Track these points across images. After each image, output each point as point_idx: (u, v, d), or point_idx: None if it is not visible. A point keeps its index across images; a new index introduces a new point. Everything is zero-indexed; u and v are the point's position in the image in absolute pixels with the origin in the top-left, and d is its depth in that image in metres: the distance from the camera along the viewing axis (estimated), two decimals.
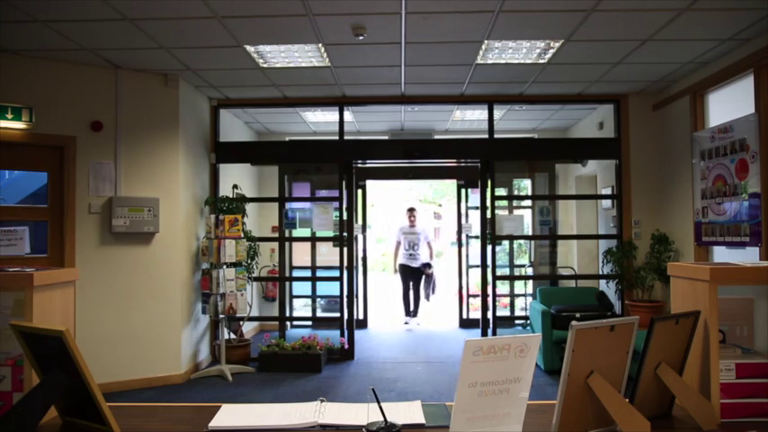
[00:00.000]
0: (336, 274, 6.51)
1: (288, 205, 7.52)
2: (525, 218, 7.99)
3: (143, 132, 5.36)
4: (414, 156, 6.50)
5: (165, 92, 5.47)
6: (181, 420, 1.70)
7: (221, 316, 5.70)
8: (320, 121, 7.50)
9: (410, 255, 8.51)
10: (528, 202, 8.42)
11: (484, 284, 6.44)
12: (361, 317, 8.14)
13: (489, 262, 6.39)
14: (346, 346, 6.34)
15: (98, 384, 1.45)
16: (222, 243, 5.66)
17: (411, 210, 8.80)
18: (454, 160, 7.07)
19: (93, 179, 5.13)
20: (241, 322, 6.29)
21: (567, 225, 8.00)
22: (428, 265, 8.53)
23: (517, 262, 8.53)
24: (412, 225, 8.61)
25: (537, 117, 7.55)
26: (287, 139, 7.99)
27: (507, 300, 8.22)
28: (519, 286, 8.43)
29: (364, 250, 8.43)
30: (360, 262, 8.16)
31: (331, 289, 7.67)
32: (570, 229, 7.90)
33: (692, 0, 3.78)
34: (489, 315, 6.42)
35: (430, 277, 8.54)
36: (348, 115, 6.93)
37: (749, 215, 4.52)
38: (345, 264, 6.44)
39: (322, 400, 1.79)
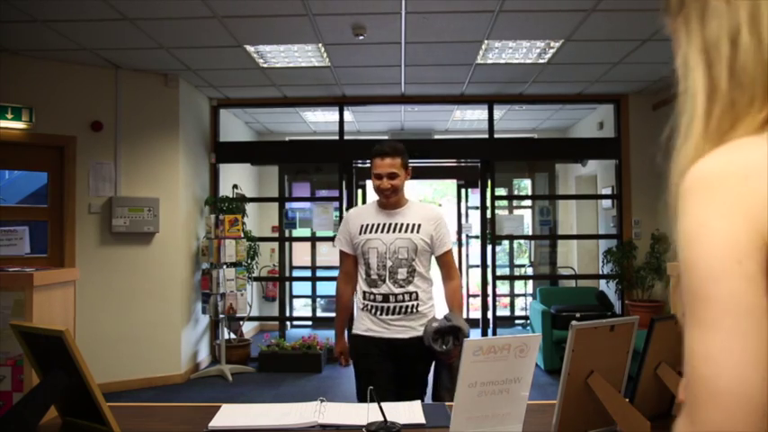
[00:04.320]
0: (336, 274, 6.50)
1: (288, 205, 7.52)
2: (525, 218, 7.99)
3: (143, 132, 5.36)
4: (414, 156, 6.43)
5: (165, 92, 5.47)
6: (181, 420, 1.70)
7: (221, 316, 5.70)
8: (320, 121, 7.50)
9: (383, 302, 2.52)
10: (528, 202, 8.42)
11: (484, 284, 6.43)
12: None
13: (489, 262, 6.39)
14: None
15: (98, 384, 1.45)
16: (222, 243, 5.66)
17: (382, 154, 2.53)
18: (454, 160, 7.07)
19: (93, 179, 5.13)
20: (241, 322, 6.29)
21: (567, 225, 7.99)
22: (454, 334, 2.38)
23: (517, 262, 8.53)
24: (388, 205, 2.58)
25: (537, 117, 7.54)
26: (287, 139, 7.98)
27: (507, 300, 8.22)
28: (519, 286, 8.43)
29: None
30: None
31: (331, 289, 7.65)
32: (570, 229, 7.90)
33: None
34: (489, 315, 6.42)
35: (451, 367, 2.43)
36: (348, 115, 6.93)
37: None
38: None
39: (322, 400, 1.79)
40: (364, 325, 2.56)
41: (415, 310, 2.50)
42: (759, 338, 0.54)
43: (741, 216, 0.56)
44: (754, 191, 0.56)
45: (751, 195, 0.56)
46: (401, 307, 2.50)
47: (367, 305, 2.56)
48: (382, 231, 2.55)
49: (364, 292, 2.57)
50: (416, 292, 2.51)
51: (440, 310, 2.61)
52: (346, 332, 2.79)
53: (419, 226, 2.54)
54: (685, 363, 0.59)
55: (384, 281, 2.52)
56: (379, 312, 2.52)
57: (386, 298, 2.51)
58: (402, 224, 2.54)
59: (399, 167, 2.52)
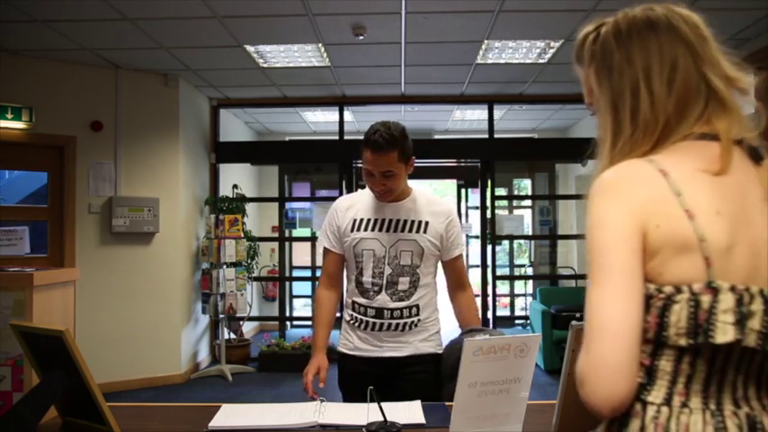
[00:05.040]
0: None
1: (288, 205, 7.52)
2: (525, 218, 7.99)
3: (143, 132, 5.36)
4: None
5: (165, 92, 5.47)
6: (181, 420, 1.70)
7: (221, 316, 5.70)
8: (320, 121, 7.50)
9: (375, 318, 2.03)
10: (528, 202, 8.42)
11: (484, 284, 6.44)
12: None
13: (489, 262, 6.39)
14: None
15: (98, 384, 1.45)
16: (222, 243, 5.66)
17: (375, 147, 1.91)
18: (454, 160, 7.06)
19: (93, 179, 5.13)
20: (241, 322, 6.29)
21: (567, 225, 7.99)
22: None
23: (517, 262, 8.53)
24: (385, 190, 2.00)
25: (537, 117, 7.54)
26: (287, 139, 7.98)
27: (507, 300, 8.22)
28: (519, 286, 8.43)
29: None
30: None
31: None
32: (570, 229, 7.89)
33: (692, 0, 3.78)
34: (489, 315, 6.42)
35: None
36: (348, 115, 6.93)
37: None
38: None
39: (322, 400, 1.79)
40: (351, 342, 2.08)
41: (413, 327, 2.04)
42: (637, 292, 0.79)
43: (628, 211, 0.80)
44: (636, 194, 0.81)
45: (635, 197, 0.80)
46: (397, 324, 2.02)
47: (355, 317, 2.06)
48: (380, 230, 2.03)
49: (353, 302, 2.07)
50: (417, 306, 2.03)
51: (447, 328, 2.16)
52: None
53: (426, 224, 2.04)
54: (585, 315, 0.81)
55: (379, 292, 2.02)
56: (369, 328, 2.04)
57: (379, 313, 2.02)
58: (405, 221, 2.04)
59: (396, 163, 1.95)
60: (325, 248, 2.15)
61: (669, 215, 0.79)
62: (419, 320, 2.04)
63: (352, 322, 2.09)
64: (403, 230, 2.03)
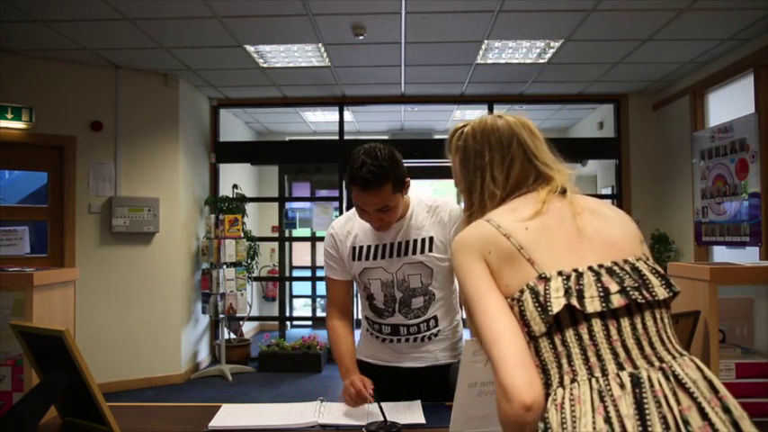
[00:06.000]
0: None
1: (288, 205, 7.52)
2: None
3: (143, 132, 5.36)
4: (414, 155, 6.50)
5: (165, 92, 5.47)
6: (181, 420, 1.70)
7: (221, 316, 5.70)
8: (320, 121, 7.50)
9: (391, 335, 1.95)
10: None
11: None
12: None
13: None
14: None
15: (98, 384, 1.45)
16: (222, 243, 5.66)
17: (365, 186, 1.72)
18: None
19: (93, 179, 5.13)
20: (241, 322, 6.29)
21: None
22: None
23: None
24: (383, 225, 1.84)
25: (537, 117, 7.53)
26: (287, 139, 7.98)
27: None
28: None
29: None
30: None
31: None
32: None
33: (692, 0, 3.78)
34: None
35: None
36: (348, 115, 6.93)
37: (749, 215, 4.52)
38: None
39: (322, 400, 1.80)
40: (369, 350, 2.00)
41: (434, 337, 1.92)
42: (501, 302, 1.03)
43: (471, 253, 1.08)
44: (473, 240, 1.10)
45: (473, 242, 1.09)
46: (416, 338, 1.92)
47: (372, 332, 1.99)
48: (383, 257, 1.87)
49: (368, 318, 1.99)
50: (435, 317, 1.91)
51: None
52: None
53: (431, 240, 1.85)
54: (478, 333, 1.02)
55: (393, 313, 1.91)
56: (387, 342, 1.95)
57: (395, 330, 1.92)
58: (407, 242, 1.86)
59: (391, 196, 1.74)
60: (329, 279, 2.00)
61: (495, 242, 1.07)
62: (439, 331, 1.92)
63: (369, 332, 2.00)
64: (406, 253, 1.86)
